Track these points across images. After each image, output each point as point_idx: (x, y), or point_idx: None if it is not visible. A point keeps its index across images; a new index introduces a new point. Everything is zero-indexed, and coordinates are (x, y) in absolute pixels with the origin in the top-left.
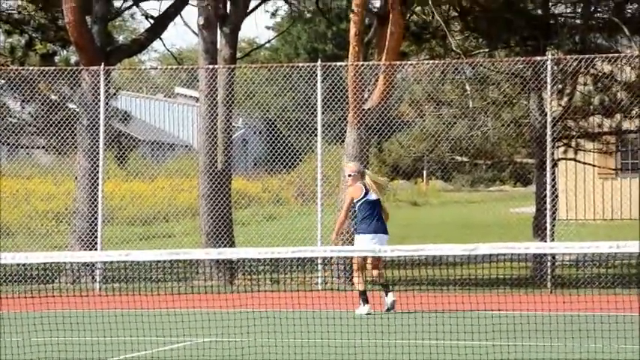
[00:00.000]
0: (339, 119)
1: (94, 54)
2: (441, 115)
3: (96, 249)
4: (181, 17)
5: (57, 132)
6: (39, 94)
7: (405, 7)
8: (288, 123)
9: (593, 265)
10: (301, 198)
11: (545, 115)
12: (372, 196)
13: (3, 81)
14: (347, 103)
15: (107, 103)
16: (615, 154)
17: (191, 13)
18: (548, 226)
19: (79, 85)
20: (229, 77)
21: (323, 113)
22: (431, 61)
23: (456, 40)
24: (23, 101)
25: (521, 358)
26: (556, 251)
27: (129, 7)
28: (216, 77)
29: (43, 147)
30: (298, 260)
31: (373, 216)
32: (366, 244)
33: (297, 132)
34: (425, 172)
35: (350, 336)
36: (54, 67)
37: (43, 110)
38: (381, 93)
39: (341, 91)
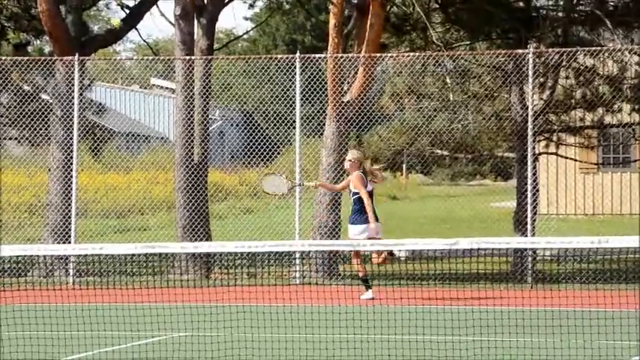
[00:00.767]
0: (318, 112)
1: (68, 44)
2: (421, 108)
3: (69, 242)
4: (157, 7)
5: (30, 123)
6: (11, 85)
7: None
8: (266, 115)
9: (574, 260)
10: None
11: (527, 108)
12: (369, 187)
13: None
14: (326, 96)
15: (81, 94)
16: (597, 148)
17: (167, 3)
18: (529, 221)
19: (53, 76)
20: (206, 69)
21: (302, 106)
22: (411, 54)
23: (437, 33)
24: None
25: (501, 354)
26: (537, 246)
27: None
28: (192, 68)
29: (16, 138)
30: (276, 254)
31: (366, 207)
32: (358, 235)
33: (275, 124)
34: (405, 166)
35: (328, 331)
36: (27, 57)
37: (15, 101)
38: (361, 85)
39: (320, 83)
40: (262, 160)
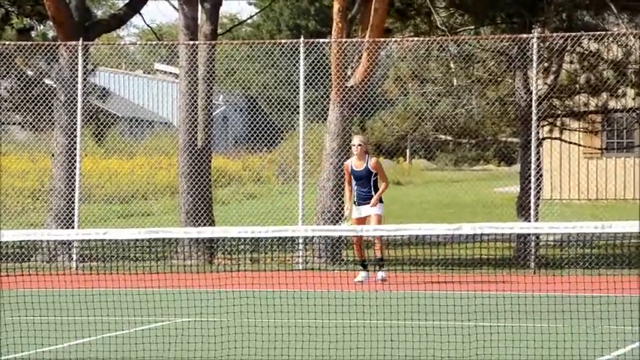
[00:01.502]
0: (322, 97)
1: (71, 29)
2: (425, 93)
3: (73, 227)
4: None
5: (33, 108)
6: (15, 70)
7: None
8: (270, 100)
9: (578, 245)
10: (282, 177)
11: (531, 93)
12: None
13: None
14: (330, 81)
15: (85, 79)
16: (601, 133)
17: None
18: (532, 206)
19: (57, 61)
20: (210, 54)
21: (305, 91)
22: (415, 38)
23: (441, 17)
24: None
25: (503, 339)
26: (540, 231)
27: None
28: (196, 54)
29: (19, 123)
30: (279, 240)
31: None
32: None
33: (278, 110)
34: (408, 151)
35: (331, 316)
36: (31, 42)
37: (19, 86)
38: (365, 70)
39: (324, 68)
40: (266, 145)
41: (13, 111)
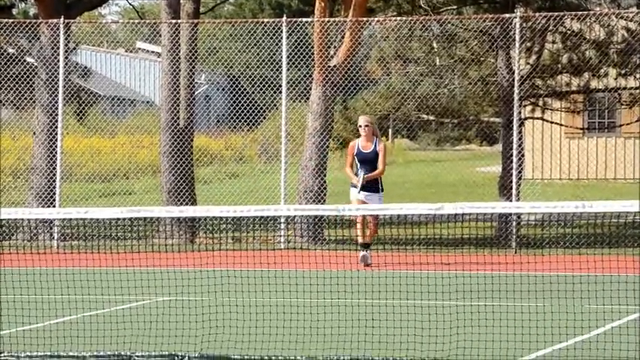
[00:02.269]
0: (305, 76)
1: (53, 7)
2: (407, 72)
3: (54, 206)
4: None
5: (14, 86)
6: None
7: None
8: (252, 80)
9: (559, 225)
10: (265, 156)
11: (513, 73)
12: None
13: None
14: (312, 60)
15: (67, 58)
16: (583, 113)
17: None
18: (514, 186)
19: (38, 39)
20: (192, 32)
21: (288, 70)
22: (398, 18)
23: None
24: None
25: (484, 318)
26: (522, 211)
27: None
28: (178, 32)
29: (0, 101)
30: (261, 219)
31: None
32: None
33: (261, 89)
34: (390, 131)
35: (312, 295)
36: (12, 20)
37: (0, 64)
38: (348, 50)
39: (306, 47)
40: (248, 124)
41: None
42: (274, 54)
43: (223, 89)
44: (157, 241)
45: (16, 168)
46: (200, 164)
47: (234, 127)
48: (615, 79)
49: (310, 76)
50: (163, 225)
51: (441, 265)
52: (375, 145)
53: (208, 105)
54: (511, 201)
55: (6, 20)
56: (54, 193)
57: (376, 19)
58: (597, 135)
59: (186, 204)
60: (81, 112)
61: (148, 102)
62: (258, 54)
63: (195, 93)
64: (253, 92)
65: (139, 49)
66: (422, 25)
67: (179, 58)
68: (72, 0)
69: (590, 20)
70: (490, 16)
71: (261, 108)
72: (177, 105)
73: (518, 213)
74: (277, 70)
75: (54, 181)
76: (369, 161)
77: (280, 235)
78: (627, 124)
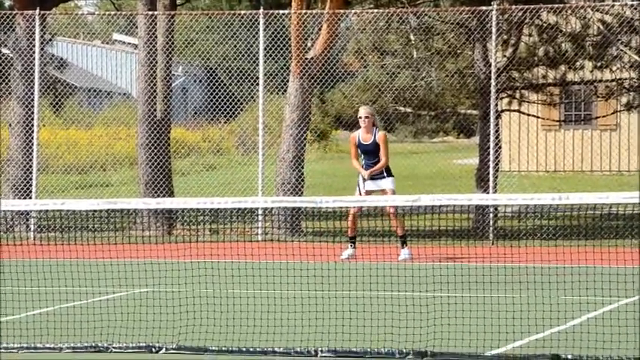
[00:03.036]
0: (282, 68)
1: None
2: (384, 65)
3: (30, 197)
4: None
5: None
6: None
7: None
8: (230, 72)
9: (535, 216)
10: (242, 148)
11: (490, 65)
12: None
13: None
14: (290, 52)
15: (42, 49)
16: (559, 105)
17: None
18: (491, 178)
19: (14, 30)
20: (169, 24)
21: (265, 62)
22: (375, 10)
23: None
24: None
25: (461, 309)
26: (498, 203)
27: None
28: (155, 24)
29: None
30: (238, 211)
31: None
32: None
33: (238, 81)
34: None
35: (289, 287)
36: None
37: None
38: (325, 42)
39: (284, 39)
40: (225, 116)
41: None
42: (251, 46)
43: (200, 81)
44: (135, 233)
45: None
46: (177, 156)
47: (212, 119)
48: (591, 71)
49: (287, 68)
50: (140, 217)
51: (418, 256)
52: (375, 136)
53: (185, 97)
54: (488, 193)
55: None
56: (30, 185)
57: (353, 11)
58: (574, 127)
59: (164, 196)
60: (57, 103)
61: (124, 94)
62: (235, 46)
63: (173, 85)
64: (230, 84)
65: (116, 40)
66: (399, 18)
67: (156, 49)
68: None
69: (566, 13)
70: (467, 8)
71: (239, 100)
72: (155, 97)
73: (495, 205)
74: (254, 62)
75: (30, 172)
76: (370, 153)
77: (258, 227)
78: (603, 116)
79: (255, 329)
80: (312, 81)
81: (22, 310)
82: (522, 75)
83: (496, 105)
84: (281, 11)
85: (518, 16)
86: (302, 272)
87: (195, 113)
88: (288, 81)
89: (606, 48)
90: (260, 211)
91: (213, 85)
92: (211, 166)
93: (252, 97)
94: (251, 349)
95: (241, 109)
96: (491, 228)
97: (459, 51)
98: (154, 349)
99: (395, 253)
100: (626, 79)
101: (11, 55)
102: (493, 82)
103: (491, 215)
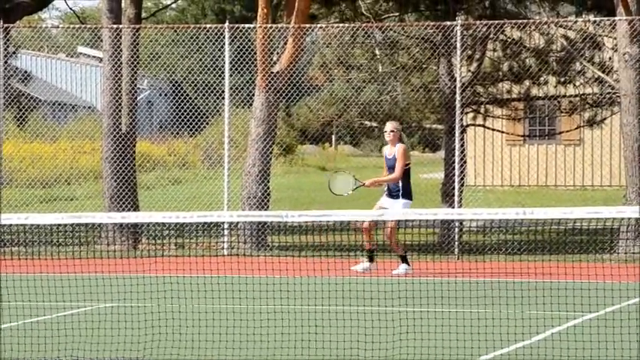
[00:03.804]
0: (247, 82)
1: None
2: (350, 79)
3: None
4: None
5: None
6: None
7: None
8: (195, 85)
9: (500, 231)
10: (208, 162)
11: (455, 80)
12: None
13: None
14: (255, 66)
15: (6, 62)
16: (523, 120)
17: None
18: (457, 192)
19: None
20: (134, 38)
21: (231, 76)
22: (341, 25)
23: (366, 4)
24: None
25: (427, 324)
26: (464, 217)
27: None
28: (120, 37)
29: None
30: (204, 225)
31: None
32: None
33: (204, 94)
34: (334, 137)
35: (255, 302)
36: None
37: None
38: (290, 56)
39: (249, 53)
40: (191, 130)
41: None
42: (217, 59)
43: (166, 95)
44: (99, 248)
45: None
46: (143, 170)
47: (177, 133)
48: (555, 86)
49: (253, 82)
50: (105, 231)
51: (384, 271)
52: (396, 151)
53: (151, 110)
54: (453, 207)
55: None
56: None
57: (319, 25)
58: (538, 142)
59: (129, 210)
60: (21, 117)
61: (89, 107)
62: (200, 59)
63: (138, 98)
64: (196, 98)
65: (80, 53)
66: (364, 32)
67: (121, 63)
68: (11, 4)
69: (530, 28)
70: (432, 23)
71: (204, 114)
72: (120, 110)
73: (460, 219)
74: (220, 75)
75: None
76: (392, 167)
77: (223, 242)
78: (567, 131)
79: (221, 344)
80: (278, 95)
81: None
82: (487, 90)
83: (461, 120)
84: (246, 25)
85: (483, 32)
86: (268, 287)
87: (161, 127)
88: (253, 95)
89: (569, 63)
90: (226, 226)
91: (179, 98)
92: (177, 180)
93: (217, 111)
94: None
95: (207, 123)
96: (456, 243)
97: (424, 66)
98: None
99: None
100: (589, 94)
101: None
102: (458, 97)
103: (456, 230)
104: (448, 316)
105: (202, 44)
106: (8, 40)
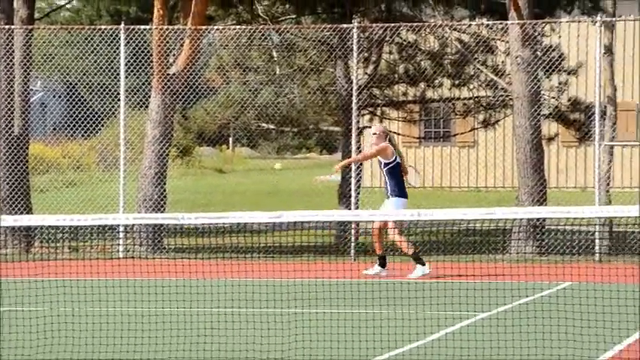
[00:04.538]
0: (144, 84)
1: None
2: (247, 81)
3: None
4: None
5: None
6: None
7: None
8: (90, 87)
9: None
10: (103, 164)
11: (351, 82)
12: (398, 160)
13: None
14: (151, 68)
15: None
16: (419, 122)
17: None
18: (353, 194)
19: None
20: (27, 39)
21: (126, 78)
22: (237, 27)
23: (263, 6)
24: None
25: (322, 325)
26: (360, 219)
27: None
28: (12, 38)
29: None
30: (99, 228)
31: (403, 180)
32: (404, 207)
33: (99, 96)
34: (231, 139)
35: (151, 304)
36: None
37: None
38: (187, 58)
39: (145, 55)
40: (86, 132)
41: None
42: (112, 61)
43: (60, 96)
44: None
45: None
46: (36, 172)
47: (72, 135)
48: (450, 89)
49: (149, 83)
50: None
51: (280, 272)
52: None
53: (44, 112)
54: (350, 209)
55: None
56: None
57: (215, 27)
58: (433, 144)
59: (22, 213)
60: None
61: None
62: (95, 61)
63: (31, 100)
64: (91, 99)
65: None
66: (261, 34)
67: (13, 64)
68: None
69: (425, 32)
70: (328, 26)
71: (99, 115)
72: (12, 112)
73: (356, 221)
74: (115, 77)
75: None
76: (385, 167)
77: (119, 244)
78: (461, 133)
79: (116, 347)
80: (174, 97)
81: None
82: (383, 92)
83: (358, 122)
84: (142, 26)
85: (379, 34)
86: (164, 289)
87: (55, 129)
88: (150, 97)
89: (464, 66)
90: (121, 228)
91: (73, 100)
92: (71, 182)
93: (113, 113)
94: None
95: (102, 125)
96: (352, 244)
97: (320, 68)
98: None
99: (257, 269)
100: (483, 97)
101: None
102: (354, 99)
103: (352, 231)
104: (344, 317)
105: (97, 45)
106: None
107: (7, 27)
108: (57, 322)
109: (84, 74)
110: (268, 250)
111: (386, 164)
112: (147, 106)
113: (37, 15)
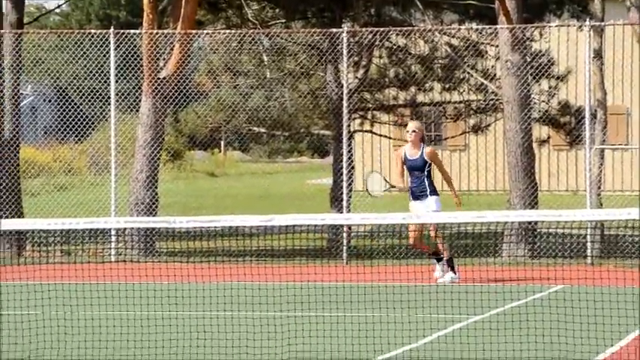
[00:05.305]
0: (134, 88)
1: None
2: (237, 85)
3: None
4: None
5: None
6: None
7: None
8: (81, 91)
9: (388, 236)
10: (94, 168)
11: (342, 87)
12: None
13: None
14: (142, 72)
15: None
16: None
17: None
18: (345, 197)
19: None
20: (16, 43)
21: (117, 82)
22: (227, 31)
23: (253, 10)
24: None
25: (315, 329)
26: (352, 222)
27: None
28: (1, 43)
29: None
30: (91, 231)
31: None
32: (436, 207)
33: (89, 100)
34: (222, 143)
35: (143, 308)
36: None
37: None
38: (177, 62)
39: (135, 59)
40: (77, 136)
41: None
42: (102, 65)
43: (50, 100)
44: None
45: None
46: (27, 176)
47: (63, 139)
48: (440, 93)
49: (140, 87)
50: None
51: (272, 276)
52: (422, 152)
53: (35, 116)
54: (342, 212)
55: None
56: None
57: (205, 31)
58: None
59: (13, 217)
60: None
61: None
62: (86, 65)
63: (21, 104)
64: (82, 104)
65: None
66: (251, 39)
67: (3, 68)
68: None
69: (415, 36)
70: (318, 30)
71: (90, 119)
72: (2, 116)
73: (348, 224)
74: (106, 81)
75: None
76: (416, 169)
77: (110, 248)
78: (452, 137)
79: (108, 351)
80: (165, 100)
81: None
82: (374, 96)
83: (348, 126)
84: (132, 31)
85: (369, 39)
86: (156, 293)
87: (46, 133)
88: (140, 101)
89: (454, 70)
90: (113, 232)
91: (64, 104)
92: (62, 186)
93: (104, 117)
94: None
95: (93, 129)
96: (344, 247)
97: (311, 72)
98: None
99: (249, 273)
100: (473, 100)
101: None
102: (345, 103)
103: (344, 235)
104: (336, 320)
105: (87, 50)
106: None
107: None
108: (49, 325)
109: (74, 78)
110: (260, 253)
111: (429, 165)
112: (138, 110)
113: (26, 19)
